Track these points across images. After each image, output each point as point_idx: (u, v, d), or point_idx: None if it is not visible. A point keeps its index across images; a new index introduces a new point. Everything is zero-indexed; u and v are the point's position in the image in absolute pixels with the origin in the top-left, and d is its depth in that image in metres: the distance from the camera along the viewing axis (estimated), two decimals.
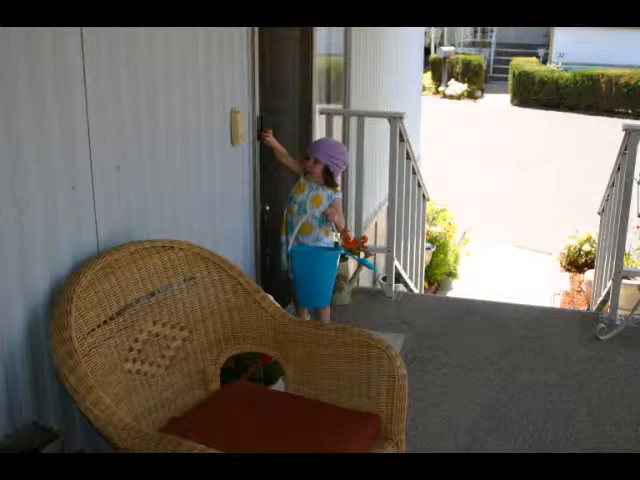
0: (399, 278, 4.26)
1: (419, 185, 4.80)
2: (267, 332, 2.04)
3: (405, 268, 4.45)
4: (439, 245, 7.86)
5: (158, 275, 1.90)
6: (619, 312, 3.63)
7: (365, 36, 4.79)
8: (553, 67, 17.28)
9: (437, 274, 7.80)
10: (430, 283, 7.58)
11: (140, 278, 1.82)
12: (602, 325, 3.43)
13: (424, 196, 5.12)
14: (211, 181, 2.53)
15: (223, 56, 2.55)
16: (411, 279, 4.66)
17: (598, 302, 4.24)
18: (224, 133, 2.63)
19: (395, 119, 3.75)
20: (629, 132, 3.45)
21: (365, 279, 4.67)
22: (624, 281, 3.75)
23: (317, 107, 3.84)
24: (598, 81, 15.76)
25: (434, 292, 7.65)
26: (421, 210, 5.04)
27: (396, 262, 4.06)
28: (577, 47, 17.20)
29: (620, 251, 3.57)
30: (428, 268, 7.58)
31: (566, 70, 16.60)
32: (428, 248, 7.64)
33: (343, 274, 3.82)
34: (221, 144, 2.61)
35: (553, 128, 14.34)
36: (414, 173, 4.49)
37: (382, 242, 4.44)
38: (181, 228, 2.26)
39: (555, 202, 9.71)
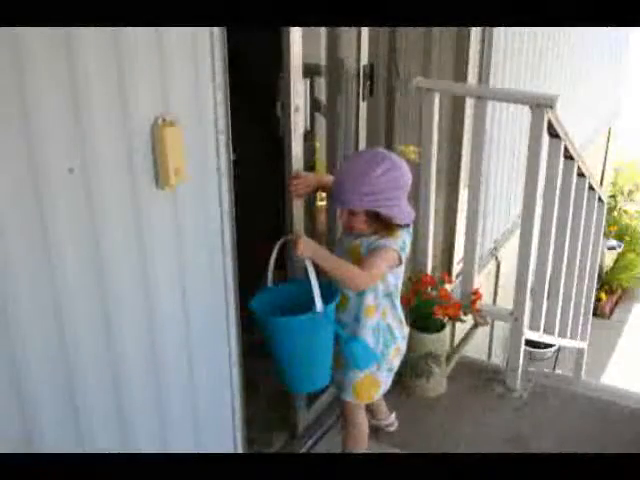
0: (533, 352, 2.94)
1: (591, 188, 3.32)
2: None
3: (551, 328, 3.08)
4: (629, 240, 6.14)
5: None
6: None
7: None
8: None
9: (622, 279, 6.11)
10: (611, 291, 5.97)
11: None
12: None
13: (600, 199, 3.61)
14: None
15: None
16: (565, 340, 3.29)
17: None
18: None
19: (540, 108, 2.34)
20: None
21: (478, 349, 3.33)
22: None
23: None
24: None
25: (614, 304, 6.03)
26: (593, 222, 3.56)
27: (529, 333, 2.74)
28: None
29: None
30: (608, 272, 5.97)
31: None
32: (612, 247, 6.01)
33: (434, 352, 2.60)
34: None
35: None
36: (582, 175, 3.05)
37: (506, 299, 3.11)
38: None
39: None
